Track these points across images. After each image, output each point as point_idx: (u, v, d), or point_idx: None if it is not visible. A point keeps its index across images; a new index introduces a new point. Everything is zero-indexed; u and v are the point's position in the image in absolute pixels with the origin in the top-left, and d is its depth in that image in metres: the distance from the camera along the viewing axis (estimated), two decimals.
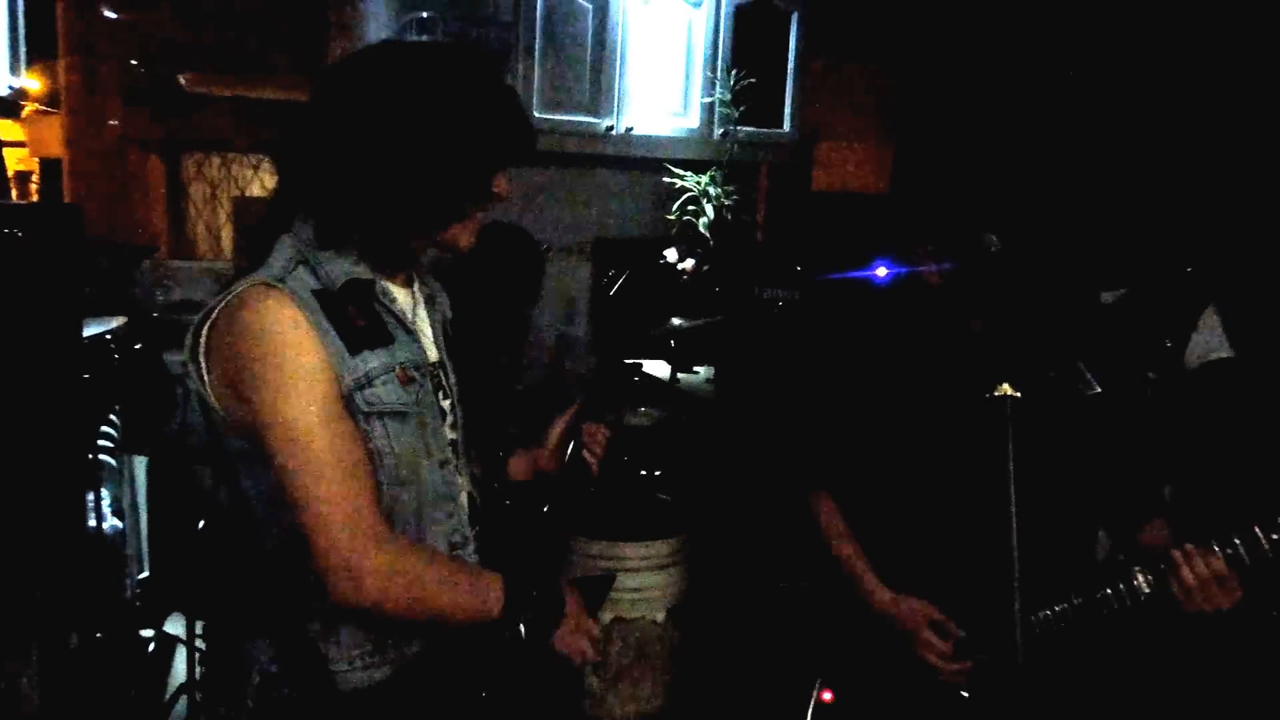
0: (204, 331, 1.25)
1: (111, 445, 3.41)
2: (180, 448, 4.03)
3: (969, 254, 1.52)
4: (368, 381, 1.27)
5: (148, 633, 3.35)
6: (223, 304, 1.24)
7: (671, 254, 4.14)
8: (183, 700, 2.95)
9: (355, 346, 1.27)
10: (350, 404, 1.25)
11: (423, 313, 1.42)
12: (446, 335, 1.46)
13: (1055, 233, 1.61)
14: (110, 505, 3.37)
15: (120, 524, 3.48)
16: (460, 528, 1.39)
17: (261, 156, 7.45)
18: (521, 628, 1.29)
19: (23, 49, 3.43)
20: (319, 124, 1.30)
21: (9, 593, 2.01)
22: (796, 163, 4.93)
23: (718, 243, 4.28)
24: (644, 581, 2.42)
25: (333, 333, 1.25)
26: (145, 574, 3.68)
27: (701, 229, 4.31)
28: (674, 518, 2.61)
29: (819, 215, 5.06)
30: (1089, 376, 1.28)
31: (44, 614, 2.40)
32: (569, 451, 1.60)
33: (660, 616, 2.49)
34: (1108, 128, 3.70)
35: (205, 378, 1.25)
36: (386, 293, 1.35)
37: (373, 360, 1.28)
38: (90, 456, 3.09)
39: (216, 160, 7.29)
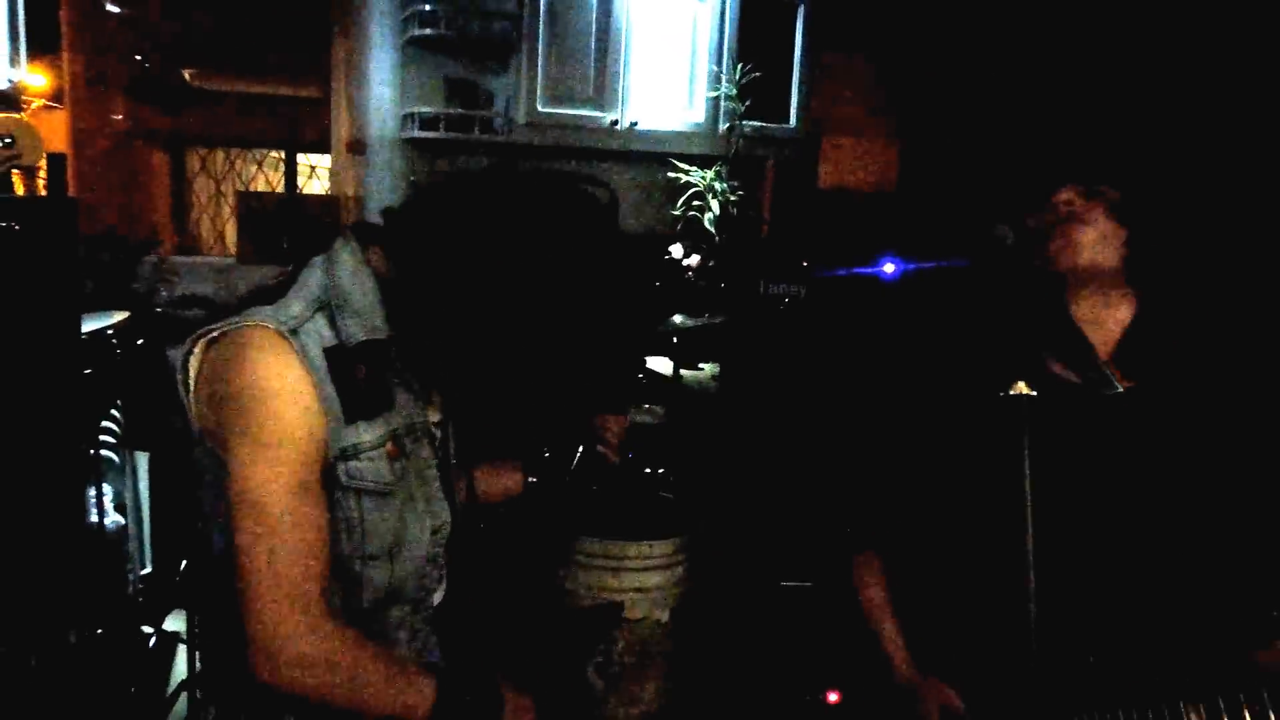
0: (201, 345, 1.21)
1: (113, 440, 3.40)
2: (182, 443, 4.03)
3: (984, 248, 1.44)
4: (355, 454, 1.23)
5: (149, 629, 3.34)
6: (231, 328, 1.19)
7: (676, 250, 4.11)
8: (183, 697, 2.92)
9: (352, 415, 1.22)
10: (331, 472, 1.21)
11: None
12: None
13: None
14: (112, 501, 3.36)
15: (122, 519, 3.47)
16: (431, 583, 1.36)
17: (265, 151, 7.44)
18: None
19: (23, 42, 3.41)
20: (438, 232, 1.26)
21: (9, 589, 1.99)
22: (802, 158, 4.91)
23: (723, 239, 4.25)
24: (647, 581, 2.39)
25: (334, 397, 1.20)
26: (147, 570, 3.67)
27: (707, 225, 4.28)
28: (677, 517, 2.58)
29: (824, 211, 5.05)
30: (1107, 374, 1.19)
31: (45, 610, 2.38)
32: (578, 452, 1.57)
33: (664, 616, 2.46)
34: (1116, 118, 3.66)
35: (190, 388, 1.22)
36: (402, 354, 1.29)
37: (366, 433, 1.24)
38: (91, 451, 3.08)
39: (220, 155, 7.28)
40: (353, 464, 1.23)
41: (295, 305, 1.22)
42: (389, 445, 1.26)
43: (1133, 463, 1.42)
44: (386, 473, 1.26)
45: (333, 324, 1.22)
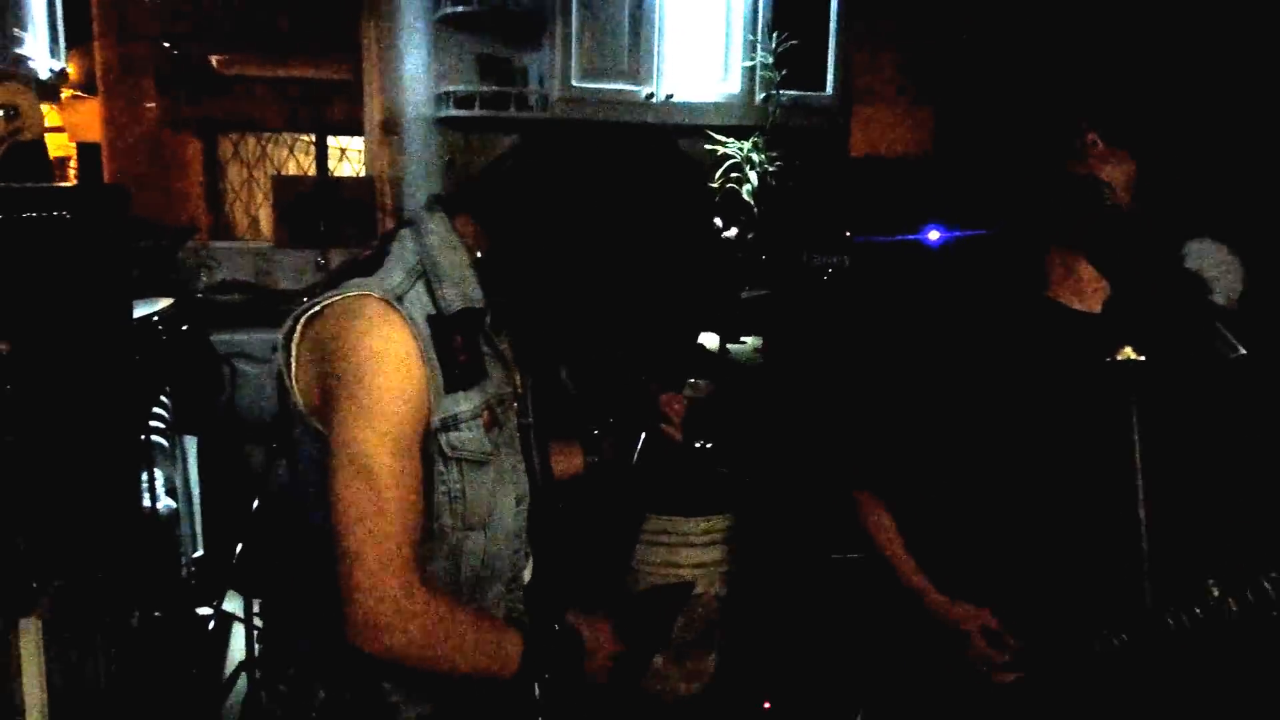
0: (303, 322, 1.21)
1: (163, 426, 3.43)
2: (229, 427, 4.07)
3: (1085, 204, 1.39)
4: (455, 424, 1.23)
5: (205, 611, 3.38)
6: (334, 300, 1.19)
7: (715, 222, 4.08)
8: (242, 678, 2.96)
9: (452, 385, 1.22)
10: (432, 442, 1.22)
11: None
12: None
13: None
14: (163, 485, 3.39)
15: (174, 504, 3.50)
16: (520, 559, 1.37)
17: (296, 135, 7.44)
18: (536, 687, 1.27)
19: (61, 32, 3.42)
20: (530, 193, 1.27)
21: (73, 574, 2.01)
22: (837, 126, 4.85)
23: (762, 210, 4.22)
24: (706, 556, 2.40)
25: (437, 366, 1.20)
26: (199, 553, 3.71)
27: (745, 196, 4.24)
28: (732, 491, 2.58)
29: (860, 179, 4.98)
30: (1228, 337, 1.15)
31: (108, 594, 2.41)
32: (641, 432, 1.56)
33: (723, 590, 2.46)
34: (1133, 73, 3.59)
35: (292, 366, 1.22)
36: (492, 324, 1.30)
37: (464, 403, 1.24)
38: (143, 437, 3.11)
39: (252, 140, 7.30)
40: (453, 434, 1.23)
41: (396, 274, 1.21)
42: (485, 415, 1.27)
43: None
44: (485, 442, 1.27)
45: (430, 293, 1.22)
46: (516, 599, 1.38)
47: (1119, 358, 1.26)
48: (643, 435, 1.56)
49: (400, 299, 1.19)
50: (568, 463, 1.59)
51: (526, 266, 1.27)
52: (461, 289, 1.24)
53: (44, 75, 3.18)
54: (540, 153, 1.32)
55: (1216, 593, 1.33)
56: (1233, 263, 2.16)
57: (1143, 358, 1.26)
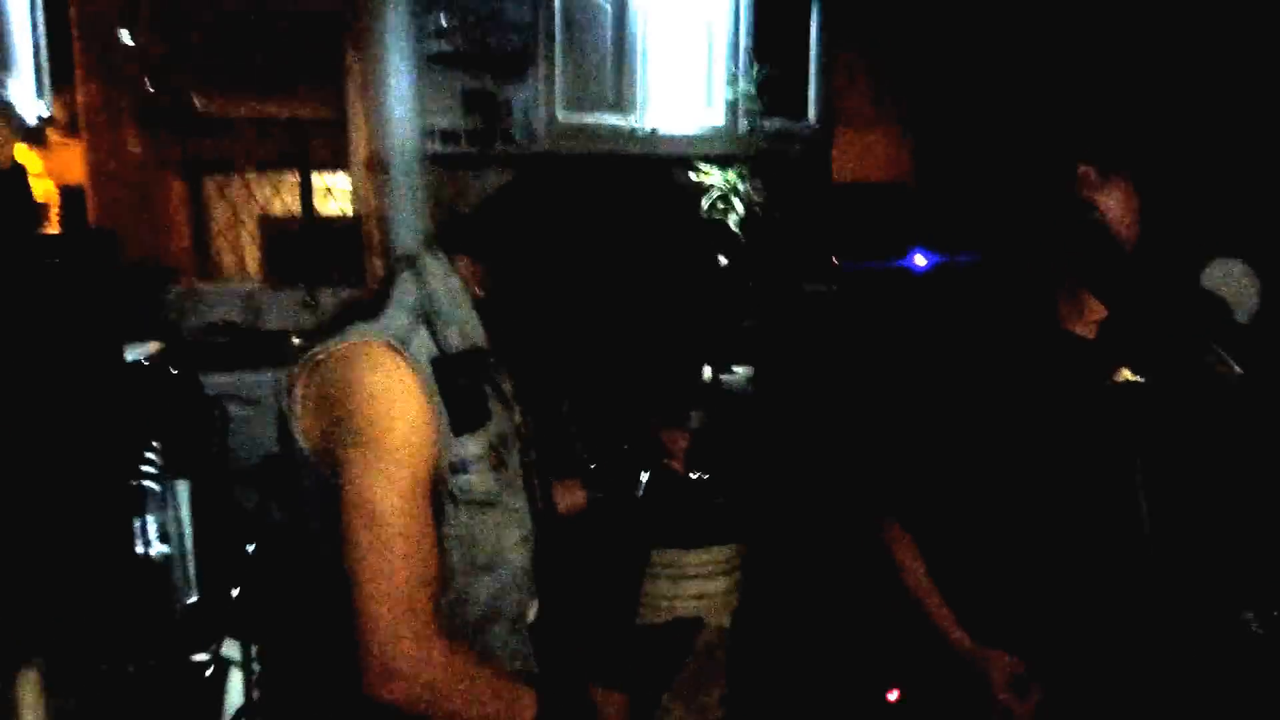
0: (308, 369, 1.21)
1: (154, 470, 3.40)
2: (221, 470, 4.04)
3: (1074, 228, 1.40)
4: (463, 467, 1.23)
5: (201, 657, 3.34)
6: (338, 347, 1.19)
7: (717, 254, 4.10)
8: None
9: (459, 427, 1.22)
10: (441, 485, 1.22)
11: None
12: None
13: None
14: (156, 531, 3.36)
15: (167, 549, 3.47)
16: (526, 598, 1.36)
17: (280, 174, 7.44)
18: None
19: (47, 75, 3.42)
20: (531, 226, 1.27)
21: (69, 622, 1.99)
22: (819, 154, 4.89)
23: (749, 239, 4.24)
24: (706, 588, 2.39)
25: (443, 410, 1.20)
26: (194, 598, 3.67)
27: (732, 226, 4.27)
28: (730, 522, 2.57)
29: (842, 207, 5.01)
30: (1225, 357, 1.16)
31: (104, 642, 2.39)
32: (644, 467, 1.56)
33: (725, 622, 2.45)
34: (1123, 100, 3.63)
35: (297, 412, 1.22)
36: (493, 362, 1.30)
37: (471, 445, 1.24)
38: (135, 482, 3.09)
39: (237, 180, 7.29)
40: (462, 477, 1.23)
41: (399, 317, 1.21)
42: (491, 456, 1.27)
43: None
44: (492, 483, 1.27)
45: (433, 335, 1.22)
46: (521, 639, 1.37)
47: (1118, 380, 1.26)
48: (646, 472, 1.56)
49: (404, 342, 1.19)
50: (570, 498, 1.59)
51: (528, 305, 1.27)
52: (463, 330, 1.24)
53: (30, 121, 3.17)
54: (535, 190, 1.32)
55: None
56: (1250, 280, 2.17)
57: (1140, 379, 1.26)
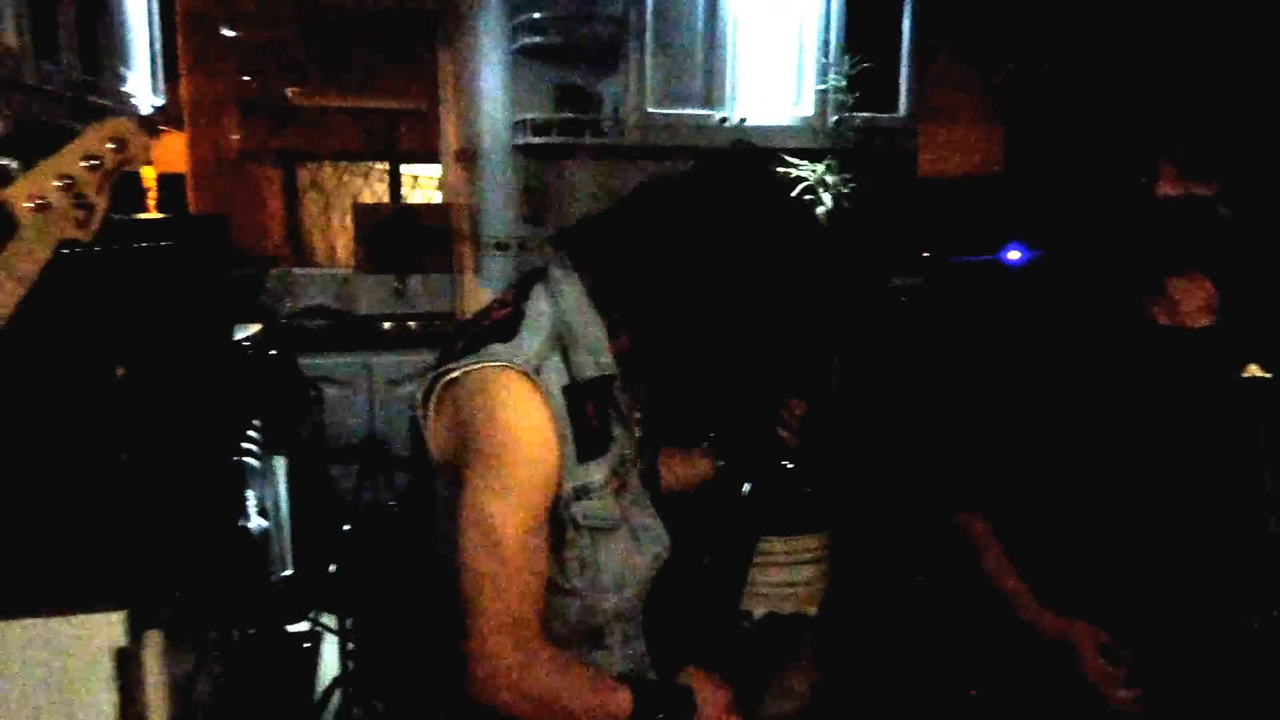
0: (443, 385, 1.25)
1: (254, 447, 3.53)
2: (316, 449, 4.18)
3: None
4: (586, 493, 1.26)
5: (299, 628, 3.47)
6: (474, 368, 1.22)
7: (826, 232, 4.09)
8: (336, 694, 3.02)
9: (584, 455, 1.25)
10: (564, 509, 1.25)
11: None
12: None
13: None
14: (255, 505, 3.49)
15: (265, 523, 3.60)
16: (643, 599, 1.39)
17: (370, 164, 7.62)
18: None
19: (160, 69, 3.57)
20: (659, 225, 1.26)
21: (184, 589, 2.09)
22: (908, 146, 4.84)
23: (836, 232, 4.22)
24: (795, 576, 2.40)
25: (570, 438, 1.23)
26: (289, 571, 3.80)
27: (820, 218, 4.25)
28: (819, 510, 2.58)
29: (930, 200, 4.96)
30: None
31: (213, 610, 2.49)
32: (763, 435, 1.57)
33: (812, 611, 2.46)
34: (1210, 102, 3.52)
35: (430, 424, 1.27)
36: (618, 389, 1.32)
37: (595, 472, 1.27)
38: (238, 457, 3.21)
39: (329, 169, 7.49)
40: (584, 503, 1.26)
41: (533, 342, 1.23)
42: (613, 481, 1.30)
43: None
44: (615, 508, 1.30)
45: (565, 361, 1.25)
46: (634, 628, 1.40)
47: (1245, 375, 1.25)
48: (763, 437, 1.57)
49: (538, 370, 1.21)
50: (697, 468, 1.61)
51: (663, 324, 1.28)
52: (594, 357, 1.26)
53: (146, 110, 3.32)
54: (659, 205, 1.29)
55: None
56: None
57: (1269, 375, 1.25)
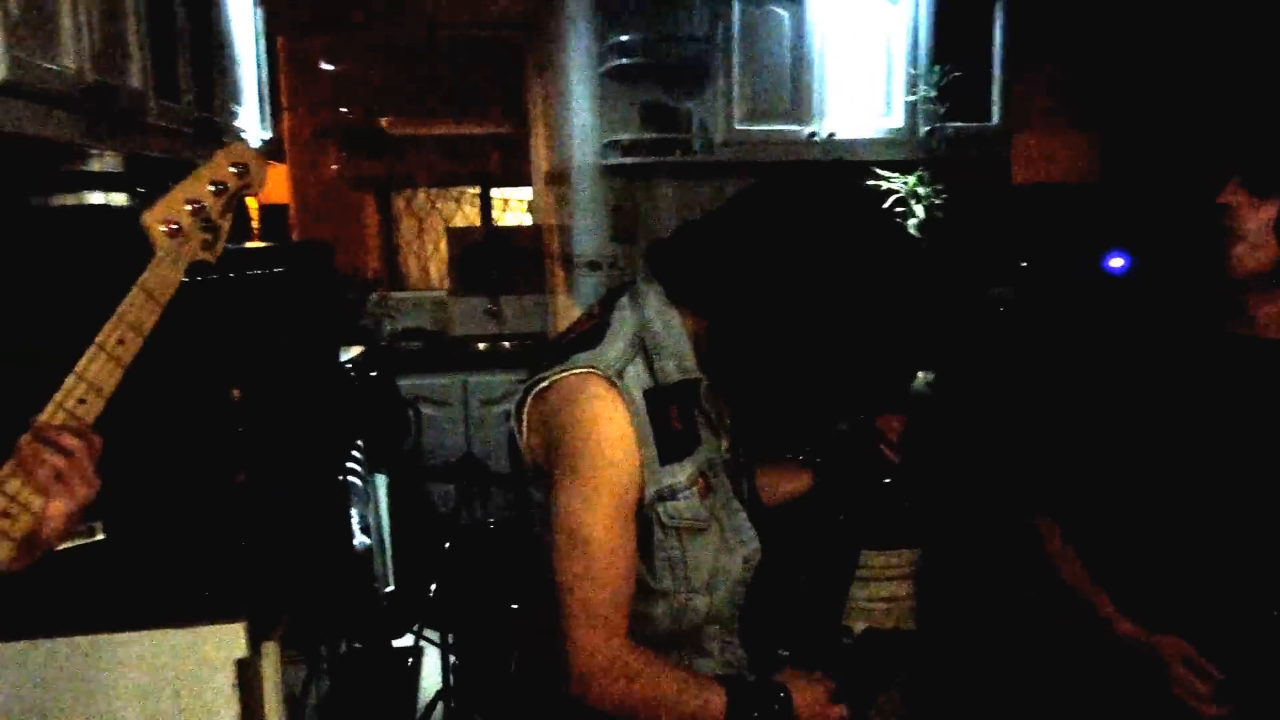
0: (533, 394, 1.29)
1: (357, 466, 3.64)
2: (415, 468, 4.29)
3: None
4: (671, 495, 1.29)
5: (400, 643, 3.56)
6: (559, 376, 1.27)
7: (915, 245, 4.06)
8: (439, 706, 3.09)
9: (667, 457, 1.28)
10: (650, 511, 1.28)
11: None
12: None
13: None
14: (358, 523, 3.60)
15: (368, 540, 3.71)
16: (740, 601, 1.40)
17: (462, 188, 7.80)
18: None
19: (268, 105, 3.73)
20: (748, 235, 1.28)
21: (297, 603, 2.17)
22: (999, 154, 4.75)
23: (929, 243, 4.17)
24: (896, 591, 2.38)
25: (651, 440, 1.26)
26: (391, 588, 3.91)
27: (912, 230, 4.21)
28: (916, 525, 2.55)
29: (1024, 208, 4.86)
30: None
31: (324, 623, 2.58)
32: (861, 452, 1.58)
33: (911, 625, 2.44)
34: None
35: (524, 433, 1.31)
36: (705, 390, 1.34)
37: (679, 473, 1.29)
38: (343, 477, 3.32)
39: (422, 195, 7.69)
40: (670, 504, 1.29)
41: (615, 349, 1.28)
42: (699, 483, 1.32)
43: None
44: (701, 510, 1.32)
45: (649, 365, 1.28)
46: (731, 632, 1.41)
47: None
48: (862, 453, 1.57)
49: (620, 375, 1.25)
50: (791, 483, 1.62)
51: (749, 340, 1.29)
52: (679, 362, 1.29)
53: (255, 144, 3.47)
54: (745, 218, 1.31)
55: None
56: None
57: None
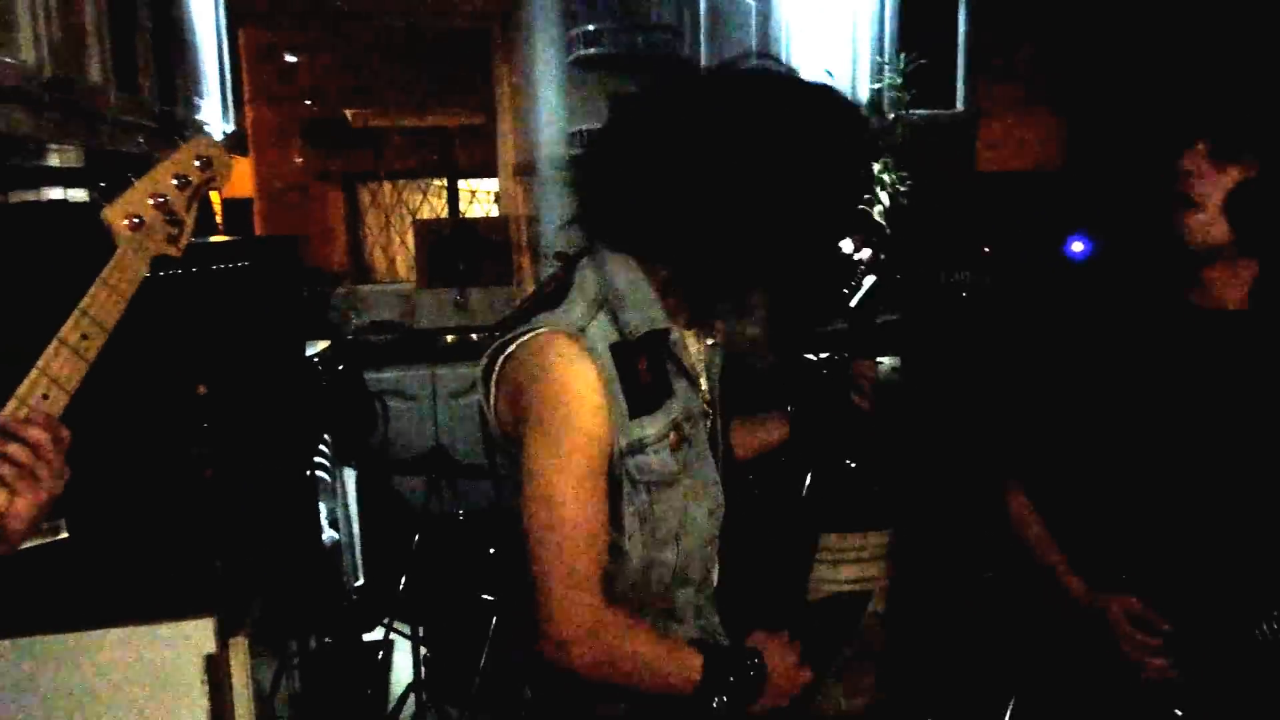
0: (500, 359, 1.29)
1: (324, 460, 3.62)
2: (383, 461, 4.26)
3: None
4: (640, 448, 1.28)
5: (375, 635, 3.55)
6: (526, 338, 1.27)
7: (847, 244, 4.08)
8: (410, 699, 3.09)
9: (636, 410, 1.27)
10: (619, 465, 1.27)
11: (697, 345, 1.40)
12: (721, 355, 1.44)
13: None
14: (326, 517, 3.58)
15: (337, 534, 3.69)
16: (711, 561, 1.41)
17: (428, 180, 7.76)
18: (715, 702, 1.28)
19: (230, 97, 3.69)
20: (660, 149, 1.23)
21: (265, 598, 2.16)
22: (965, 142, 4.80)
23: (894, 230, 4.20)
24: (863, 572, 2.41)
25: (620, 394, 1.26)
26: (360, 581, 3.89)
27: (877, 217, 4.24)
28: (885, 508, 2.58)
29: (989, 195, 4.91)
30: None
31: (292, 618, 2.57)
32: (834, 400, 1.58)
33: (880, 608, 2.47)
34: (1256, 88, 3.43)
35: (492, 398, 1.31)
36: (676, 340, 1.33)
37: (649, 426, 1.29)
38: (310, 471, 3.30)
39: (388, 188, 7.65)
40: (639, 458, 1.28)
41: (578, 308, 1.28)
42: (671, 435, 1.31)
43: None
44: (671, 463, 1.31)
45: (614, 320, 1.27)
46: (705, 598, 1.42)
47: None
48: (835, 402, 1.58)
49: (583, 331, 1.25)
50: (763, 435, 1.63)
51: (717, 270, 1.25)
52: (645, 312, 1.28)
53: (218, 136, 3.43)
54: (658, 158, 1.24)
55: None
56: None
57: None
